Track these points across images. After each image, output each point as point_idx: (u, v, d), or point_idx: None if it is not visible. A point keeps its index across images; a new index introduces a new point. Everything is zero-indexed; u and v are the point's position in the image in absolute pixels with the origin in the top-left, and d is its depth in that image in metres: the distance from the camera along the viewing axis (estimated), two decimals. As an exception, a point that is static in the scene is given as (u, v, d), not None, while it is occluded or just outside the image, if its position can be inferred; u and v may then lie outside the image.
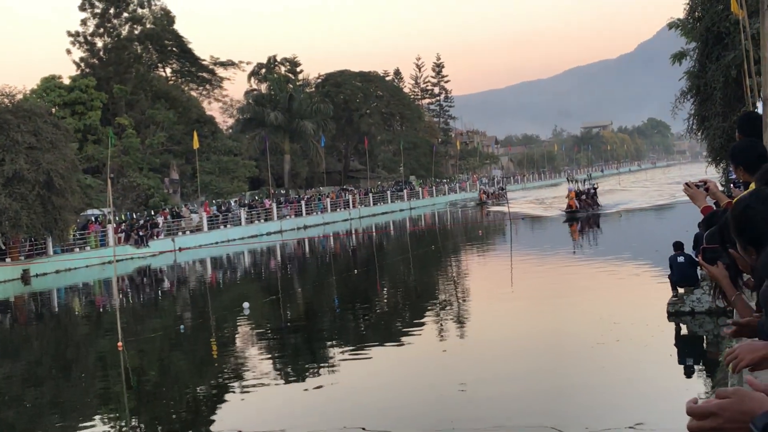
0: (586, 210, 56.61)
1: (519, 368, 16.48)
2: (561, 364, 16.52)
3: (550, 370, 16.10)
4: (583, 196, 58.29)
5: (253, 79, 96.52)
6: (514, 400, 13.93)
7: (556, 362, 16.74)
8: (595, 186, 63.53)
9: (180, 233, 58.79)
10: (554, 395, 14.19)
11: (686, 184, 6.47)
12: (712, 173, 37.40)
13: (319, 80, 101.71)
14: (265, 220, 68.76)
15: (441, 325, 22.80)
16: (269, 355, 20.63)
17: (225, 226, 63.99)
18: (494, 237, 51.84)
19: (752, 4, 21.41)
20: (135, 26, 79.70)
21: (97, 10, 78.43)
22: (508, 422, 12.46)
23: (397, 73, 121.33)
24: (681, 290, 19.44)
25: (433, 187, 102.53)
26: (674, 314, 19.15)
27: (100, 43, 78.54)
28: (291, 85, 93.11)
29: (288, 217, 71.41)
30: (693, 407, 2.24)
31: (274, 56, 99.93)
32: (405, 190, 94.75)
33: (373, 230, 65.62)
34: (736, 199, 4.96)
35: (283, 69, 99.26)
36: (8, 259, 44.37)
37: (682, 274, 19.31)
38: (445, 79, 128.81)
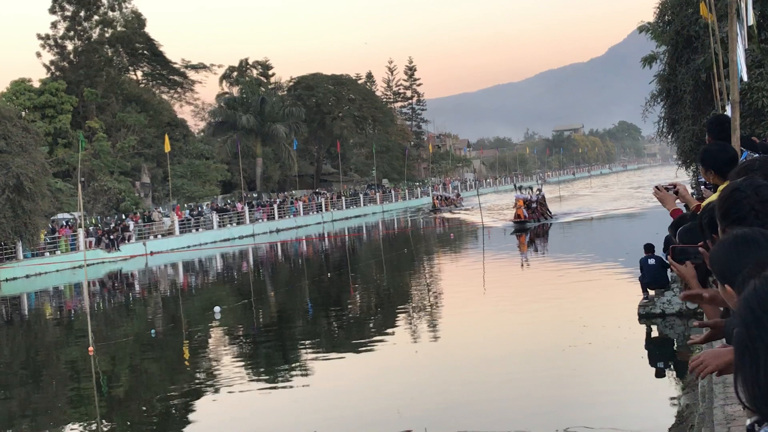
0: (537, 220, 52.29)
1: (491, 372, 16.54)
2: (533, 368, 16.59)
3: (522, 373, 16.17)
4: (534, 205, 53.12)
5: (224, 83, 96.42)
6: (486, 403, 13.98)
7: (528, 365, 16.81)
8: (541, 194, 56.64)
9: (151, 237, 58.51)
10: (525, 398, 14.25)
11: (656, 187, 6.53)
12: (682, 176, 37.69)
13: (291, 83, 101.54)
14: (238, 223, 68.55)
15: (411, 328, 22.86)
16: (240, 360, 20.58)
17: (197, 229, 63.75)
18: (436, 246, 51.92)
19: (721, 8, 21.60)
20: (106, 29, 79.28)
21: (68, 13, 77.94)
22: (480, 427, 12.50)
23: (370, 76, 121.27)
24: (652, 292, 19.57)
25: (406, 191, 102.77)
26: (645, 316, 19.27)
27: (70, 46, 78.12)
28: (263, 89, 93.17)
29: (260, 220, 71.21)
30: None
31: (246, 59, 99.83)
32: (378, 193, 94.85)
33: (346, 233, 65.71)
34: (716, 191, 5.00)
35: (255, 72, 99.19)
36: (-23, 264, 44.09)
37: (652, 276, 19.45)
38: (418, 82, 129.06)
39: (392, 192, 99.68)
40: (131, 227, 57.87)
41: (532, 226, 49.72)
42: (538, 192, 55.93)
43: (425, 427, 12.59)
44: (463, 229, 57.16)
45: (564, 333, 19.15)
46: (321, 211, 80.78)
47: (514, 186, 66.93)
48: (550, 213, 54.95)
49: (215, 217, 66.73)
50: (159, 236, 59.40)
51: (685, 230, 5.70)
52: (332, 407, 14.72)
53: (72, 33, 78.20)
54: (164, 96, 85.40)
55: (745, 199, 3.64)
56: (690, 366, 3.80)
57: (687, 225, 5.69)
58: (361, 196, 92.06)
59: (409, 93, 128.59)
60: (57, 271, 46.72)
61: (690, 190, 8.13)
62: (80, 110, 70.08)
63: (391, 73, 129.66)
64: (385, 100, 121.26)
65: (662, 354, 16.89)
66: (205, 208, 69.46)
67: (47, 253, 49.48)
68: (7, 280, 43.81)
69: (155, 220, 62.06)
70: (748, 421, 2.39)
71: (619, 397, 13.86)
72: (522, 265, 35.50)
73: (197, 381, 18.46)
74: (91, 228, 55.06)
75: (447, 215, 75.52)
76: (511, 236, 46.34)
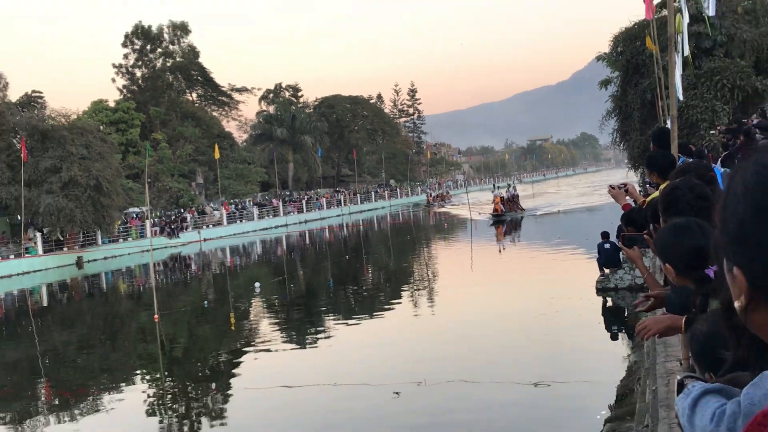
0: (513, 214, 50.62)
1: (477, 335, 16.53)
2: (512, 331, 16.60)
3: (503, 336, 16.19)
4: (509, 202, 51.84)
5: (263, 102, 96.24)
6: (473, 359, 13.98)
7: (508, 329, 16.82)
8: (515, 192, 55.42)
9: (204, 227, 58.64)
10: (506, 355, 14.25)
11: (610, 186, 6.53)
12: (632, 177, 37.53)
13: (316, 102, 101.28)
14: (273, 215, 68.64)
15: (413, 299, 22.87)
16: (275, 325, 20.63)
17: (241, 221, 63.89)
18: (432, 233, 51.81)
19: (663, 41, 21.48)
20: (167, 59, 79.33)
21: (136, 47, 78.17)
22: (469, 377, 12.50)
23: (379, 96, 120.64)
24: (607, 271, 19.54)
25: (409, 189, 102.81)
26: (601, 290, 19.25)
27: (138, 73, 78.23)
28: (293, 107, 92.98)
29: (292, 213, 71.28)
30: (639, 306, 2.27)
31: (280, 83, 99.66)
32: (386, 191, 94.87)
33: (360, 224, 65.68)
34: (659, 189, 4.98)
35: (287, 94, 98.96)
36: (65, 249, 44.26)
37: (607, 258, 19.43)
38: (418, 101, 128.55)
39: (398, 190, 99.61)
40: (188, 219, 57.98)
41: (508, 219, 48.73)
42: (512, 190, 55.08)
43: (424, 377, 12.60)
44: (455, 221, 56.98)
45: (536, 304, 19.12)
46: (340, 205, 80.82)
47: (493, 186, 65.98)
48: (522, 208, 53.66)
49: (255, 211, 66.84)
50: (210, 226, 59.54)
51: (628, 217, 5.70)
52: (349, 362, 14.74)
53: (140, 63, 78.36)
54: (214, 113, 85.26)
55: (682, 196, 3.66)
56: (636, 329, 3.80)
57: (630, 211, 5.69)
58: (372, 193, 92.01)
59: (411, 110, 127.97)
60: (128, 254, 46.82)
61: (637, 189, 8.12)
62: (147, 125, 70.04)
63: (397, 94, 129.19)
64: (391, 116, 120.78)
65: (615, 320, 16.86)
66: (247, 203, 69.54)
67: (121, 240, 49.70)
68: (89, 261, 44.01)
69: (207, 213, 62.20)
70: (679, 377, 2.39)
71: (582, 355, 13.86)
72: (500, 250, 35.45)
73: (241, 341, 18.52)
74: (155, 219, 55.16)
75: (438, 210, 75.02)
76: (491, 227, 46.10)
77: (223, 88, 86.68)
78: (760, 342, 1.06)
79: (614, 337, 15.46)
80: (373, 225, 64.87)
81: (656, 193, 5.41)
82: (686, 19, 16.81)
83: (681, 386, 2.32)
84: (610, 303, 18.38)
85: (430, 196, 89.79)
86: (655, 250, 3.56)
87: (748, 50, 32.42)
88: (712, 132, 27.91)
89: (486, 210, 54.01)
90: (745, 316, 1.04)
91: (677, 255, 3.19)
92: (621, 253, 17.89)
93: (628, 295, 18.18)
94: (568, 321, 16.96)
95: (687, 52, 17.51)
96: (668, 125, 10.99)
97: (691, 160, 9.77)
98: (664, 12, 22.56)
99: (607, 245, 19.32)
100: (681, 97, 18.25)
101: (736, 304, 1.04)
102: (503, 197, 51.28)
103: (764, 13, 34.09)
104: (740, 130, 19.50)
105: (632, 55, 34.72)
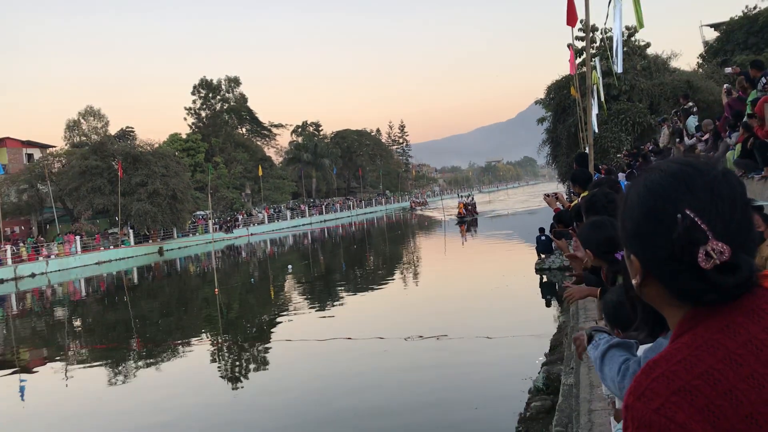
0: (471, 216, 49.09)
1: (449, 303, 16.54)
2: (473, 298, 16.59)
3: (467, 302, 16.18)
4: (469, 207, 50.35)
5: (293, 134, 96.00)
6: (448, 320, 13.96)
7: (471, 298, 16.81)
8: (473, 201, 54.39)
9: (251, 225, 58.55)
10: (469, 316, 14.24)
11: (545, 194, 6.53)
12: (561, 188, 37.57)
13: (332, 134, 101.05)
14: (301, 217, 68.56)
15: (404, 277, 22.86)
16: (303, 296, 20.61)
17: (277, 220, 63.78)
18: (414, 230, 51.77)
19: (583, 89, 21.50)
20: (224, 104, 79.12)
21: (202, 94, 77.97)
22: (446, 332, 12.48)
23: (378, 130, 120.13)
24: (543, 256, 19.55)
25: (400, 197, 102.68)
26: (539, 270, 19.25)
27: (203, 114, 77.88)
28: (316, 138, 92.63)
29: (314, 215, 71.21)
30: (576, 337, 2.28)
31: (306, 120, 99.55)
32: (383, 199, 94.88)
33: (365, 222, 65.58)
34: (580, 197, 4.97)
35: (311, 128, 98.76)
36: (150, 241, 44.17)
37: (543, 247, 19.43)
38: (406, 134, 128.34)
39: (392, 198, 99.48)
40: (239, 219, 57.89)
41: (469, 219, 47.88)
42: (471, 199, 54.24)
43: (421, 333, 12.57)
44: (432, 220, 56.94)
45: (491, 279, 19.12)
46: (350, 209, 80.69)
47: (458, 195, 66.75)
48: (477, 212, 52.30)
49: (288, 213, 66.72)
50: (255, 224, 59.41)
51: (560, 217, 5.69)
52: (360, 323, 14.73)
53: (204, 106, 77.97)
54: (258, 142, 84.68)
55: (598, 201, 3.67)
56: (564, 296, 3.81)
57: (559, 215, 5.68)
58: (373, 200, 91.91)
59: (401, 140, 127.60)
60: (196, 245, 46.76)
61: (565, 197, 8.11)
62: (209, 151, 69.70)
63: (390, 128, 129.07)
64: (387, 144, 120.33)
65: (549, 291, 16.85)
66: (282, 208, 69.42)
67: (190, 234, 49.56)
68: (168, 250, 43.94)
69: (253, 215, 62.09)
70: (587, 330, 2.39)
71: (525, 317, 13.85)
72: (463, 243, 35.44)
73: (278, 309, 18.50)
74: (216, 219, 55.10)
75: (419, 212, 74.61)
76: (456, 225, 45.91)
77: (264, 124, 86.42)
78: (651, 308, 1.07)
79: (548, 304, 15.46)
80: (373, 223, 64.84)
81: (578, 200, 5.42)
82: (600, 74, 16.86)
83: (590, 338, 2.33)
84: (545, 279, 18.39)
85: (413, 202, 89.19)
86: (578, 239, 3.58)
87: (645, 96, 32.49)
88: (618, 156, 27.96)
89: (453, 212, 53.80)
90: (640, 291, 1.04)
91: (594, 243, 3.20)
92: (553, 243, 17.95)
93: (559, 274, 18.19)
94: (514, 292, 16.96)
95: (601, 97, 17.53)
96: (587, 151, 10.99)
97: (603, 176, 9.78)
98: (584, 69, 22.62)
99: (543, 237, 19.34)
100: (596, 130, 18.26)
101: (633, 282, 1.03)
102: (465, 204, 50.47)
103: (656, 69, 34.16)
104: (639, 154, 19.53)
105: (561, 100, 34.81)
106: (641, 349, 2.04)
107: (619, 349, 2.12)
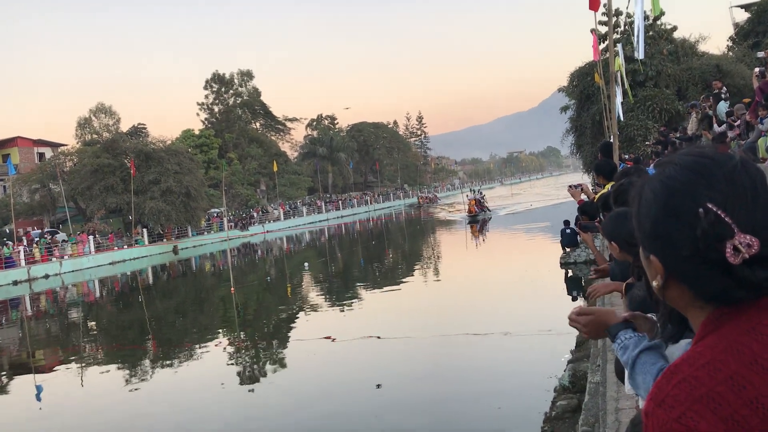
0: (483, 212, 45.62)
1: (474, 296, 16.51)
2: (498, 292, 16.55)
3: (491, 295, 16.14)
4: (482, 202, 46.31)
5: (308, 128, 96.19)
6: (471, 314, 13.95)
7: (495, 291, 16.78)
8: (483, 196, 49.58)
9: (267, 222, 58.89)
10: (494, 309, 14.22)
11: (569, 186, 6.49)
12: (586, 179, 37.27)
13: (348, 128, 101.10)
14: (317, 213, 68.78)
15: (423, 272, 22.86)
16: (321, 293, 20.70)
17: (293, 217, 64.05)
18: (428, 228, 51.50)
19: (607, 76, 21.30)
20: (237, 98, 79.54)
21: (214, 89, 78.49)
22: (470, 330, 12.46)
23: (395, 122, 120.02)
24: (568, 250, 19.44)
25: (418, 191, 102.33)
26: (564, 264, 19.14)
27: (216, 109, 78.42)
28: (331, 131, 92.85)
29: (331, 210, 71.41)
30: (572, 316, 2.24)
31: (321, 114, 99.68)
32: (401, 193, 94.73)
33: (383, 218, 65.63)
34: (604, 188, 4.93)
35: (326, 122, 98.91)
36: (164, 240, 44.61)
37: (568, 240, 19.30)
38: (424, 125, 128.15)
39: (410, 192, 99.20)
40: (255, 216, 58.27)
41: (481, 218, 44.37)
42: (479, 194, 49.23)
43: (443, 331, 12.56)
44: (436, 221, 55.84)
45: (515, 273, 19.07)
46: (367, 204, 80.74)
47: (470, 190, 58.38)
48: (489, 209, 48.07)
49: (304, 209, 66.97)
50: (271, 221, 59.76)
51: (584, 208, 5.66)
52: (379, 318, 14.76)
53: (217, 101, 78.54)
54: (273, 137, 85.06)
55: (627, 191, 3.62)
56: (588, 291, 3.79)
57: (587, 204, 5.64)
58: (391, 194, 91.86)
59: (419, 132, 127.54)
60: (211, 243, 47.14)
61: (590, 188, 8.06)
62: (223, 147, 70.21)
63: (408, 120, 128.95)
64: (404, 136, 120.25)
65: (574, 286, 16.75)
66: (298, 204, 69.68)
67: (205, 232, 50.01)
68: (182, 248, 44.33)
69: (269, 211, 62.43)
70: (613, 324, 2.35)
71: (549, 312, 13.77)
72: (483, 239, 35.27)
73: (295, 306, 18.59)
74: (231, 217, 55.49)
75: (428, 211, 68.58)
76: (467, 225, 42.32)
77: (278, 119, 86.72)
78: (674, 309, 1.05)
79: (574, 299, 15.36)
80: (391, 219, 64.88)
81: (604, 191, 5.38)
82: (622, 60, 16.68)
83: (613, 336, 2.28)
84: (570, 274, 18.28)
85: (421, 197, 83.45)
86: (603, 232, 3.55)
87: (672, 82, 32.07)
88: (646, 143, 27.65)
89: (463, 210, 49.81)
90: (661, 293, 1.01)
91: (620, 236, 3.17)
92: (578, 236, 17.83)
93: (584, 267, 18.07)
94: (539, 286, 16.89)
95: (626, 84, 17.36)
96: (612, 140, 10.89)
97: (629, 166, 9.67)
98: (608, 54, 22.39)
99: (567, 230, 19.20)
100: (622, 118, 18.08)
101: (654, 284, 1.00)
102: (477, 200, 46.30)
103: (683, 53, 33.70)
104: (667, 142, 19.30)
105: (584, 87, 34.49)
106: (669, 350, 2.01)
107: (652, 354, 2.07)
